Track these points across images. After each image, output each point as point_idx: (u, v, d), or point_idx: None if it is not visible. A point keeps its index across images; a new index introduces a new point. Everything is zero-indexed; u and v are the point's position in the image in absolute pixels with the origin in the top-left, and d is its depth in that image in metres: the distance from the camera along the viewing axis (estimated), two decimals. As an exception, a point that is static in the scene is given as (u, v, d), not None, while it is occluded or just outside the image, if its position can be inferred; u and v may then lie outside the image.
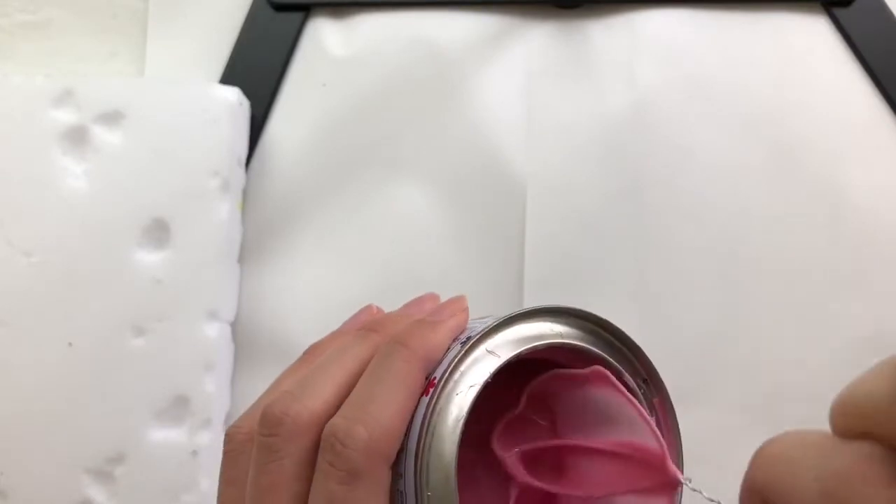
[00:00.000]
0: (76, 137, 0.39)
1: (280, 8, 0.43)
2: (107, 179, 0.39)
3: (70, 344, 0.38)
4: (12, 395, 0.38)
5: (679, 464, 0.23)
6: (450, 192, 0.42)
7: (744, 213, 0.41)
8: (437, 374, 0.22)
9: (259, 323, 0.41)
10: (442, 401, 0.21)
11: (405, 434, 0.21)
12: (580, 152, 0.42)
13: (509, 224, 0.41)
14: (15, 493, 0.37)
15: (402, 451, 0.21)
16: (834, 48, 0.42)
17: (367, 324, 0.26)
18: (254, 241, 0.42)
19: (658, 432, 0.22)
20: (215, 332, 0.38)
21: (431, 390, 0.21)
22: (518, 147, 0.42)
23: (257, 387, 0.41)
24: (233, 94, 0.40)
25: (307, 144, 0.42)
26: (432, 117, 0.42)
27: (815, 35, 0.43)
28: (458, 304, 0.25)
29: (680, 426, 0.42)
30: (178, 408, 0.38)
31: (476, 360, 0.21)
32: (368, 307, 0.28)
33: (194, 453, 0.38)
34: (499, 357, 0.21)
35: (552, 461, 0.24)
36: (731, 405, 0.40)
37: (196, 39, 0.43)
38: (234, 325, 0.41)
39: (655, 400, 0.24)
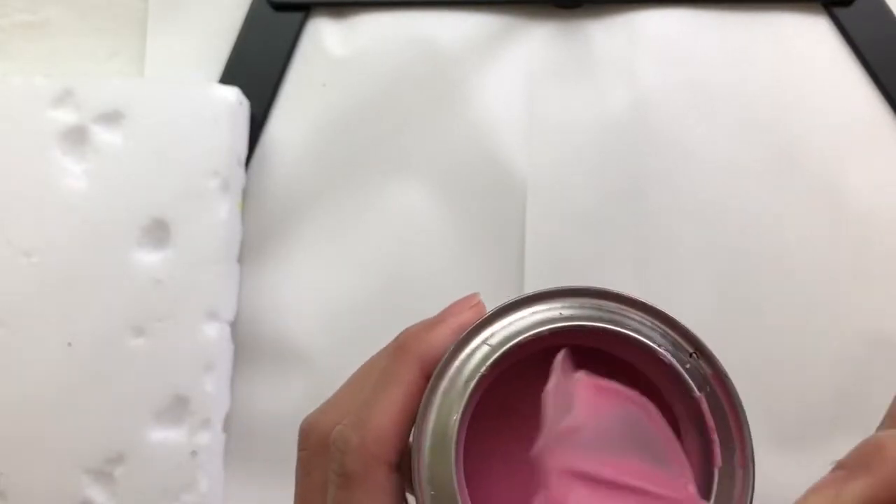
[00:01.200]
0: (76, 137, 0.39)
1: (280, 8, 0.43)
2: (106, 179, 0.39)
3: (69, 344, 0.38)
4: (12, 395, 0.38)
5: (748, 461, 0.21)
6: (450, 191, 0.42)
7: (744, 212, 0.41)
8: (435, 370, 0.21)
9: (259, 323, 0.41)
10: (436, 397, 0.20)
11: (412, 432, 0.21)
12: (580, 152, 0.42)
13: (509, 223, 0.41)
14: (14, 494, 0.37)
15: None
16: (834, 48, 0.42)
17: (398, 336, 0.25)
18: (253, 241, 0.42)
19: (681, 452, 0.19)
20: (215, 332, 0.38)
21: (427, 388, 0.21)
22: (518, 147, 0.42)
23: (257, 386, 0.41)
24: (232, 94, 0.40)
25: (307, 144, 0.42)
26: (432, 117, 0.42)
27: (816, 35, 0.43)
28: (466, 301, 0.24)
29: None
30: (177, 408, 0.38)
31: (472, 354, 0.21)
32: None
33: (194, 453, 0.38)
34: (492, 348, 0.21)
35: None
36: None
37: (196, 39, 0.43)
38: (234, 325, 0.41)
39: (709, 374, 0.21)
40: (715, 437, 0.21)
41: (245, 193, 0.42)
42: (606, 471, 0.19)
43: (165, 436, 0.38)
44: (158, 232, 0.39)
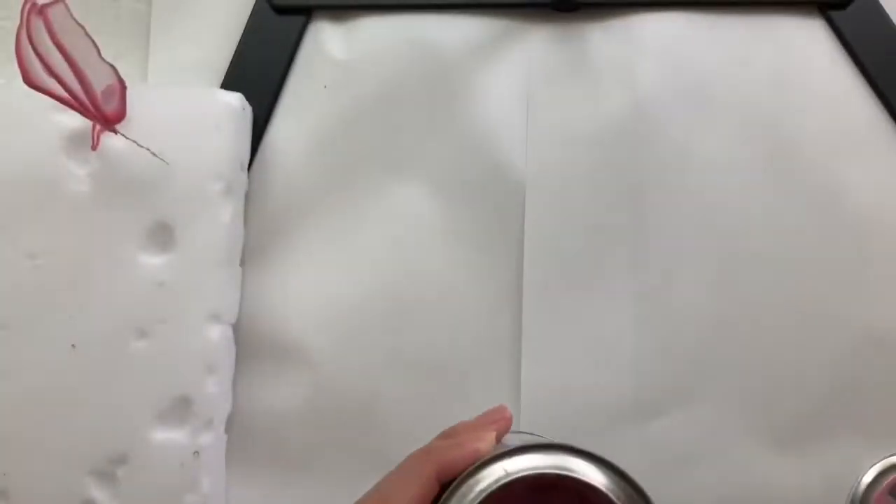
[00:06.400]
0: (80, 141, 0.39)
1: (282, 11, 0.43)
2: (111, 183, 0.39)
3: (73, 346, 0.38)
4: (16, 395, 0.38)
5: None
6: (450, 194, 0.42)
7: (741, 214, 0.42)
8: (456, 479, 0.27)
9: (260, 325, 0.41)
10: (453, 499, 0.26)
11: None
12: (579, 154, 0.42)
13: (509, 226, 0.42)
14: (17, 494, 0.38)
15: None
16: (830, 50, 0.43)
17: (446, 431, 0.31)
18: (255, 244, 0.42)
19: None
20: (217, 334, 0.39)
21: (447, 489, 0.26)
22: (517, 149, 0.42)
23: (259, 388, 0.41)
24: (236, 100, 0.40)
25: (308, 147, 0.43)
26: (432, 120, 0.42)
27: (812, 37, 0.43)
28: (487, 434, 0.29)
29: (678, 426, 0.43)
30: (180, 409, 0.38)
31: (490, 474, 0.26)
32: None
33: (196, 454, 0.38)
34: (508, 474, 0.26)
35: None
36: (730, 404, 0.41)
37: (198, 43, 0.43)
38: (236, 327, 0.41)
39: None
40: None
41: (247, 196, 0.42)
42: None
43: (168, 436, 0.38)
44: (162, 235, 0.39)
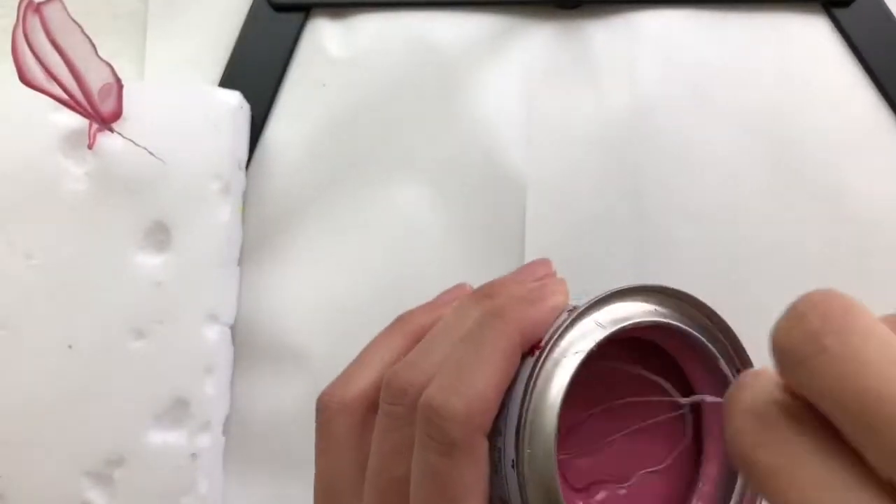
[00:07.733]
0: (76, 140, 0.39)
1: (280, 9, 0.43)
2: (108, 182, 0.39)
3: (70, 346, 0.38)
4: (11, 397, 0.38)
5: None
6: (449, 193, 0.42)
7: (744, 213, 0.41)
8: (544, 339, 0.22)
9: (259, 325, 0.41)
10: (548, 364, 0.21)
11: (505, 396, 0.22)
12: (580, 153, 0.42)
13: (509, 225, 0.41)
14: (13, 496, 0.37)
15: (502, 408, 0.21)
16: (834, 48, 0.42)
17: (481, 289, 0.25)
18: (254, 244, 0.42)
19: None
20: (215, 335, 0.38)
21: (538, 352, 0.22)
22: (518, 148, 0.42)
23: (257, 389, 0.41)
24: (234, 99, 0.40)
25: (307, 146, 0.42)
26: (432, 118, 0.42)
27: (815, 35, 0.43)
28: (560, 285, 0.24)
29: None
30: (177, 410, 0.38)
31: (583, 330, 0.22)
32: (462, 285, 0.28)
33: (194, 456, 0.38)
34: (604, 329, 0.22)
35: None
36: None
37: (196, 40, 0.43)
38: (234, 328, 0.41)
39: None
40: None
41: (245, 195, 0.42)
42: None
43: (165, 438, 0.38)
44: (159, 235, 0.39)
